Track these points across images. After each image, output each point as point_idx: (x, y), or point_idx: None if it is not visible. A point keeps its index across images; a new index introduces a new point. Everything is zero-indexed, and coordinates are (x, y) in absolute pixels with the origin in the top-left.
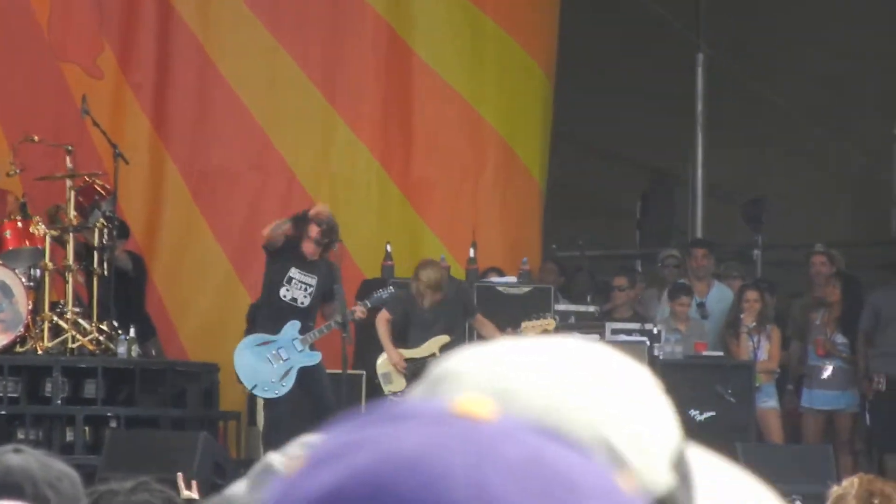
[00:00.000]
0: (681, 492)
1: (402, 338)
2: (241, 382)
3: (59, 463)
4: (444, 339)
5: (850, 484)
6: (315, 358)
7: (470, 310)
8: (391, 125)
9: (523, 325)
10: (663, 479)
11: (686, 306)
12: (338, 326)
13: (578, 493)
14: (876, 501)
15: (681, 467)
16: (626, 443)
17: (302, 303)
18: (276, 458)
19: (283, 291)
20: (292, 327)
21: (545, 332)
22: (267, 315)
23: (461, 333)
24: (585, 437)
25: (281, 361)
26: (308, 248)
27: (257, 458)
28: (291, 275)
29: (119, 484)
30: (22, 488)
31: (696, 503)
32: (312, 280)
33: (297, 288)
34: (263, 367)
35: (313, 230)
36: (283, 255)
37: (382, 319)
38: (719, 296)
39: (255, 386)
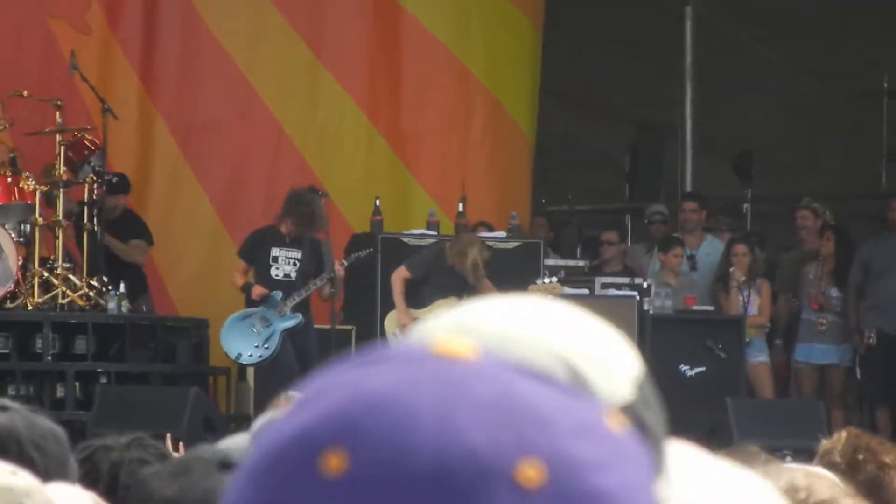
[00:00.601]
0: (642, 409)
1: (414, 295)
2: (227, 355)
3: (45, 421)
4: (454, 301)
5: (838, 438)
6: (295, 319)
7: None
8: (378, 78)
9: (530, 287)
10: (625, 393)
11: (680, 257)
12: (327, 282)
13: (550, 428)
14: (861, 456)
15: (643, 389)
16: (590, 365)
17: (294, 277)
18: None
19: (273, 272)
20: (274, 295)
21: (552, 294)
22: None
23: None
24: (550, 362)
25: (264, 328)
26: (285, 227)
27: (247, 414)
28: (275, 254)
29: (113, 439)
30: (6, 448)
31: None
32: (297, 253)
33: (286, 263)
34: (247, 337)
35: (289, 226)
36: (260, 241)
37: (399, 277)
38: (709, 249)
39: (238, 355)
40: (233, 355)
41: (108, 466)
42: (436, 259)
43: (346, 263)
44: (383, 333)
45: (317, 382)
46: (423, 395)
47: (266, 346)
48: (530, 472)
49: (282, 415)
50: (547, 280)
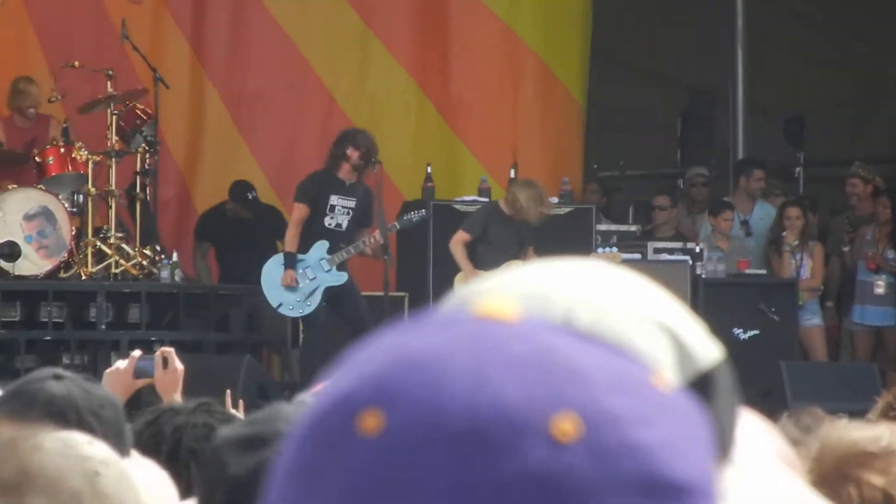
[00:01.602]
0: (718, 384)
1: (472, 255)
2: (264, 299)
3: (99, 389)
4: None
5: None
6: (342, 278)
7: (529, 240)
8: (428, 46)
9: (592, 255)
10: (712, 353)
11: (730, 221)
12: (380, 249)
13: (587, 383)
14: (894, 413)
15: (723, 366)
16: (686, 334)
17: (345, 227)
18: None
19: (327, 220)
20: (321, 247)
21: (612, 262)
22: (302, 236)
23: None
24: (648, 330)
25: (307, 281)
26: (345, 170)
27: (300, 382)
28: (333, 202)
29: (180, 404)
30: (65, 417)
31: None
32: (352, 202)
33: (341, 213)
34: (290, 287)
35: (353, 154)
36: (320, 185)
37: (458, 241)
38: (762, 213)
39: (280, 304)
40: (274, 304)
41: (171, 430)
42: (491, 213)
43: (398, 226)
44: (436, 299)
45: (363, 348)
46: (458, 354)
47: (308, 302)
48: (565, 426)
49: (330, 379)
50: (608, 249)
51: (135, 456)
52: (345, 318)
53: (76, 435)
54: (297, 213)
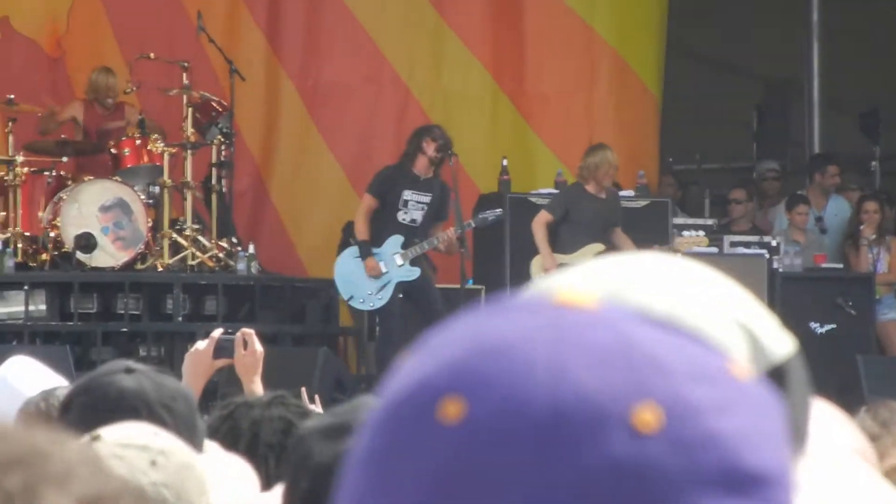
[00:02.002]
0: (792, 378)
1: (554, 237)
2: (338, 292)
3: (172, 381)
4: (599, 247)
5: None
6: (413, 273)
7: (615, 220)
8: (503, 40)
9: (677, 240)
10: (786, 346)
11: (804, 215)
12: (456, 242)
13: (667, 372)
14: None
15: (796, 361)
16: (761, 330)
17: (420, 222)
18: None
19: (400, 216)
20: (395, 241)
21: (700, 246)
22: (376, 230)
23: (609, 244)
24: (726, 325)
25: (382, 273)
26: (421, 165)
27: (377, 374)
28: (406, 197)
29: (255, 398)
30: (138, 411)
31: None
32: (427, 197)
33: (415, 208)
34: (361, 278)
35: (429, 146)
36: (393, 180)
37: (540, 222)
38: (836, 209)
39: (351, 297)
40: (345, 296)
41: (248, 424)
42: (573, 193)
43: (473, 224)
44: (512, 292)
45: (439, 334)
46: (538, 342)
47: (379, 295)
48: (647, 416)
49: (403, 367)
50: (694, 233)
51: (215, 448)
52: (420, 311)
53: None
54: (364, 203)
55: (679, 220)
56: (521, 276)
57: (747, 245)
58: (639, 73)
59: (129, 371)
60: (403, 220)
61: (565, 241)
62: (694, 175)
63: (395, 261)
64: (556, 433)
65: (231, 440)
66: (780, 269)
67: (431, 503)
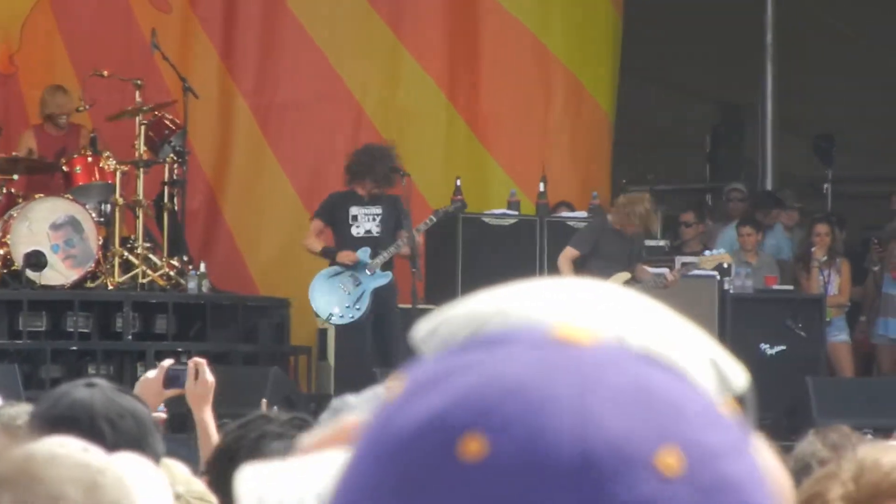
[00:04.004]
0: (747, 408)
1: (581, 271)
2: (318, 316)
3: (128, 400)
4: (626, 275)
5: None
6: (386, 278)
7: (638, 254)
8: (458, 59)
9: (700, 259)
10: (743, 378)
11: (750, 237)
12: (408, 259)
13: (683, 416)
14: None
15: (749, 391)
16: (725, 364)
17: (377, 233)
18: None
19: (353, 230)
20: (363, 253)
21: (725, 262)
22: (341, 249)
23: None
24: (700, 360)
25: (354, 287)
26: (361, 188)
27: (328, 393)
28: (354, 213)
29: (276, 413)
30: (78, 420)
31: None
32: (377, 209)
33: (366, 220)
34: (337, 295)
35: (366, 185)
36: (338, 202)
37: (567, 259)
38: (772, 240)
39: (330, 315)
40: (324, 315)
41: (256, 436)
42: (601, 229)
43: (434, 220)
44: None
45: (434, 363)
46: (557, 381)
47: (357, 306)
48: (670, 460)
49: (402, 393)
50: (716, 251)
51: (126, 454)
52: (378, 325)
53: (71, 442)
54: (311, 227)
55: None
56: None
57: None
58: (592, 93)
59: (88, 385)
60: (358, 233)
61: (594, 274)
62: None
63: (366, 271)
64: (584, 474)
65: (235, 448)
66: (731, 291)
67: None
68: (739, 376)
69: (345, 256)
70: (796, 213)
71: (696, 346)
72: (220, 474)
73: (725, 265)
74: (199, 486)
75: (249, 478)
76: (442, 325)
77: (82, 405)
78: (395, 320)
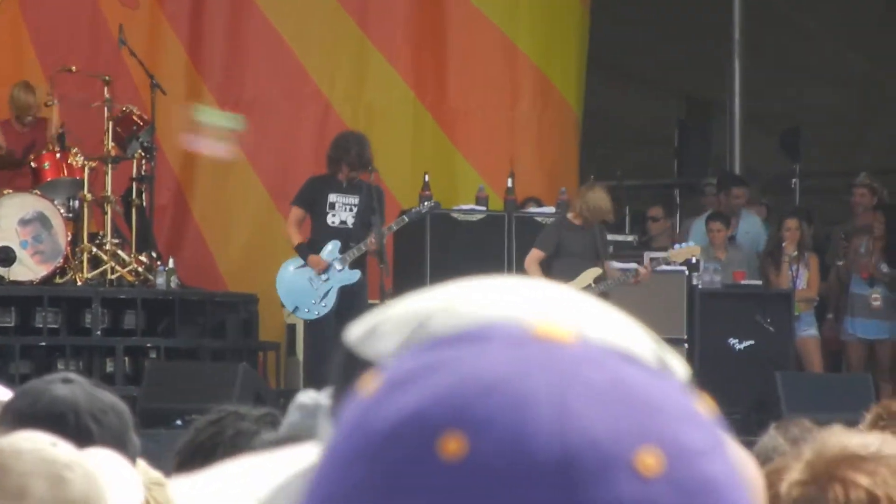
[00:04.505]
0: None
1: (548, 271)
2: (282, 305)
3: (107, 395)
4: (597, 271)
5: (873, 409)
6: (354, 276)
7: (605, 250)
8: (425, 56)
9: (669, 253)
10: (685, 371)
11: (719, 232)
12: (376, 255)
13: (662, 415)
14: (882, 423)
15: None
16: (660, 344)
17: (352, 224)
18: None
19: (329, 219)
20: (332, 247)
21: (693, 256)
22: (313, 239)
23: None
24: (647, 348)
25: (321, 282)
26: (342, 175)
27: (297, 389)
28: (332, 200)
29: (246, 409)
30: (65, 418)
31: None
32: (354, 199)
33: (343, 210)
34: (304, 288)
35: (344, 169)
36: (317, 187)
37: (534, 261)
38: (747, 227)
39: (296, 308)
40: (290, 307)
41: (232, 433)
42: (561, 227)
43: (405, 220)
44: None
45: (414, 357)
46: (536, 379)
47: (323, 303)
48: (649, 460)
49: (377, 391)
50: (685, 245)
51: (99, 450)
52: (342, 315)
53: (40, 436)
54: (290, 215)
55: None
56: None
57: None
58: (560, 90)
59: (66, 381)
60: (333, 223)
61: (561, 273)
62: (615, 192)
63: (335, 266)
64: (564, 474)
65: (211, 445)
66: (700, 286)
67: None
68: (683, 368)
69: (313, 263)
70: (764, 209)
71: (639, 339)
72: (194, 471)
73: (694, 260)
74: (155, 473)
75: (183, 487)
76: (380, 325)
77: (65, 402)
78: (365, 302)
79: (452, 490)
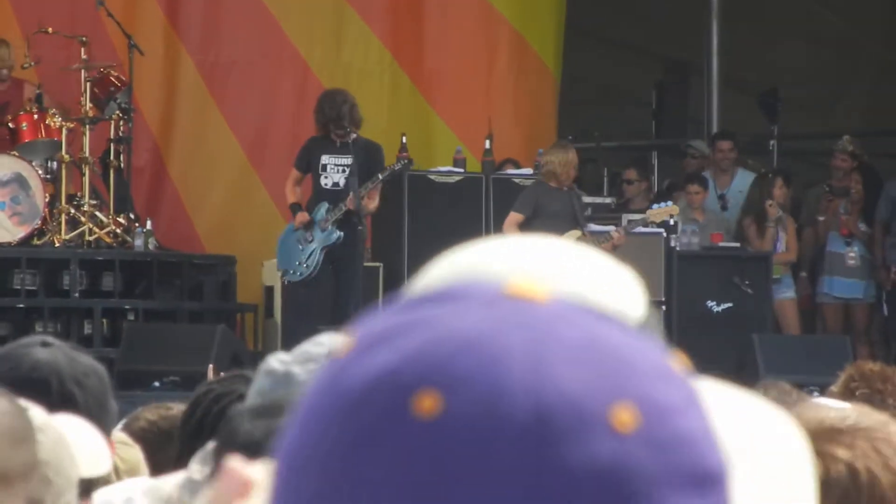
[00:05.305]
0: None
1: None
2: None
3: (86, 357)
4: (577, 233)
5: (845, 371)
6: (333, 237)
7: (582, 212)
8: (402, 17)
9: (648, 213)
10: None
11: (697, 195)
12: (354, 217)
13: (636, 372)
14: (855, 385)
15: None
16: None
17: (343, 185)
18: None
19: (322, 181)
20: (320, 208)
21: (672, 215)
22: (310, 202)
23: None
24: (625, 301)
25: (307, 243)
26: (334, 135)
27: (275, 350)
28: (324, 162)
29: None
30: (48, 384)
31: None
32: (347, 160)
33: (335, 171)
34: (295, 251)
35: (329, 125)
36: (311, 149)
37: (512, 223)
38: (741, 185)
39: (284, 272)
40: (279, 271)
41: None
42: (539, 189)
43: (380, 178)
44: (411, 269)
45: (383, 320)
46: (511, 337)
47: (307, 263)
48: (624, 416)
49: (351, 350)
50: (664, 204)
51: (67, 416)
52: (336, 280)
53: (6, 398)
54: (290, 175)
55: None
56: (420, 253)
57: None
58: (538, 51)
59: (45, 344)
60: (325, 184)
61: (537, 230)
62: (593, 153)
63: (319, 227)
64: (539, 430)
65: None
66: (678, 248)
67: (405, 500)
68: (640, 302)
69: (298, 218)
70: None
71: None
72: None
73: (672, 221)
74: (121, 434)
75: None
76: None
77: (47, 367)
78: (352, 276)
79: (427, 448)
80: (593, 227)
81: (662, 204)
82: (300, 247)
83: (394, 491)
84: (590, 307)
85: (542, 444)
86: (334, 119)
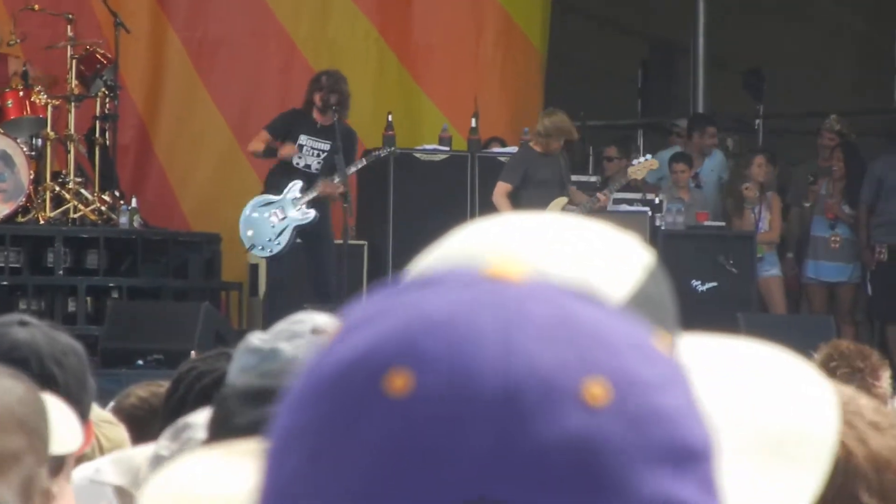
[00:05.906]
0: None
1: (517, 202)
2: (242, 243)
3: (64, 336)
4: (563, 200)
5: (820, 349)
6: (308, 216)
7: (568, 177)
8: None
9: (629, 168)
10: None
11: (683, 174)
12: (340, 197)
13: (611, 347)
14: (833, 364)
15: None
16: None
17: (316, 169)
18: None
19: (294, 160)
20: (294, 186)
21: (652, 169)
22: (278, 178)
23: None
24: (608, 280)
25: (278, 220)
26: (317, 114)
27: (265, 322)
28: (302, 142)
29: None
30: (28, 363)
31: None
32: (325, 145)
33: (310, 154)
34: (263, 226)
35: (317, 98)
36: (291, 122)
37: (501, 194)
38: (713, 164)
39: (252, 246)
40: (246, 245)
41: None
42: (527, 157)
43: (364, 162)
44: (395, 248)
45: (366, 305)
46: (482, 315)
47: (277, 241)
48: (596, 390)
49: (334, 335)
50: (643, 158)
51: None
52: (310, 260)
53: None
54: (259, 135)
55: None
56: (405, 231)
57: (630, 202)
58: (524, 29)
59: (22, 324)
60: (297, 164)
61: (529, 203)
62: (578, 131)
63: (293, 205)
64: (509, 406)
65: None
66: (663, 227)
67: (378, 477)
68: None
69: (286, 151)
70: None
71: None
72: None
73: (657, 200)
74: (105, 412)
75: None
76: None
77: (27, 347)
78: (328, 252)
79: (399, 425)
80: (580, 192)
81: (642, 158)
82: (270, 224)
83: (368, 467)
84: (566, 285)
85: (513, 419)
86: (329, 93)
